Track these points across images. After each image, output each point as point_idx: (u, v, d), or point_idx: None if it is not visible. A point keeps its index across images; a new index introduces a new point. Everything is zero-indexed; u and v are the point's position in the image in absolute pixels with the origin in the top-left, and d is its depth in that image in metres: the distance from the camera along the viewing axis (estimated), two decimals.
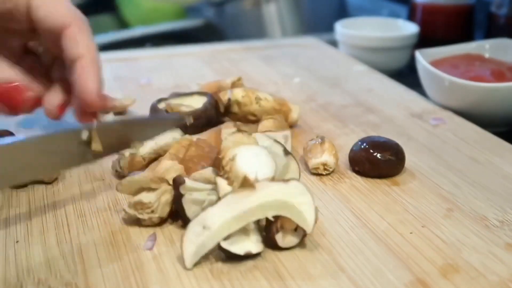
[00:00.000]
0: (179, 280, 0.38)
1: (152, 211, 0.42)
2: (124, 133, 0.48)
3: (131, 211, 0.43)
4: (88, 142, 0.45)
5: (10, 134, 0.54)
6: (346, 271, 0.38)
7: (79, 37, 0.48)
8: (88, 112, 0.48)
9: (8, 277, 0.38)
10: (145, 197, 0.43)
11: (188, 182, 0.42)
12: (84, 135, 0.45)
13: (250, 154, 0.43)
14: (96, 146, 0.45)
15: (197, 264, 0.39)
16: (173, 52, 0.84)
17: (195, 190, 0.42)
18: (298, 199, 0.39)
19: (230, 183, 0.41)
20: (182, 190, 0.42)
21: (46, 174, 0.49)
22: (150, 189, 0.43)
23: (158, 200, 0.43)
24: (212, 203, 0.40)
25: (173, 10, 1.34)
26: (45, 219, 0.45)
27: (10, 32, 0.51)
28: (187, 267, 0.38)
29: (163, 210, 0.43)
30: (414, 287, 0.37)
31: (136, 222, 0.43)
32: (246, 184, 0.39)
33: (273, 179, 0.41)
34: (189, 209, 0.42)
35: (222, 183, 0.41)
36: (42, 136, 0.43)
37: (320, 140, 0.52)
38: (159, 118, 0.54)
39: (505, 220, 0.45)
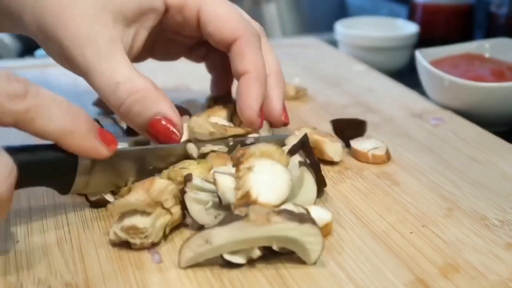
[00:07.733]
0: (179, 280, 0.38)
1: (146, 237, 0.40)
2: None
3: (123, 235, 0.40)
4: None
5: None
6: (346, 271, 0.38)
7: (246, 51, 0.48)
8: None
9: (8, 277, 0.38)
10: (139, 222, 0.40)
11: (196, 180, 0.42)
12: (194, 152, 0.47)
13: (269, 171, 0.41)
14: None
15: (197, 264, 0.39)
16: None
17: (201, 189, 0.42)
18: (308, 239, 0.38)
19: (236, 188, 0.41)
20: (188, 187, 0.42)
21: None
22: (144, 213, 0.40)
23: (153, 225, 0.40)
24: (215, 206, 0.41)
25: None
26: (45, 219, 0.45)
27: (183, 36, 0.54)
28: (180, 266, 0.38)
29: (157, 235, 0.40)
30: (414, 286, 0.37)
31: (125, 245, 0.41)
32: (245, 199, 0.39)
33: (283, 203, 0.41)
34: (192, 207, 0.41)
35: (220, 179, 0.41)
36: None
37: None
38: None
39: (505, 219, 0.45)
